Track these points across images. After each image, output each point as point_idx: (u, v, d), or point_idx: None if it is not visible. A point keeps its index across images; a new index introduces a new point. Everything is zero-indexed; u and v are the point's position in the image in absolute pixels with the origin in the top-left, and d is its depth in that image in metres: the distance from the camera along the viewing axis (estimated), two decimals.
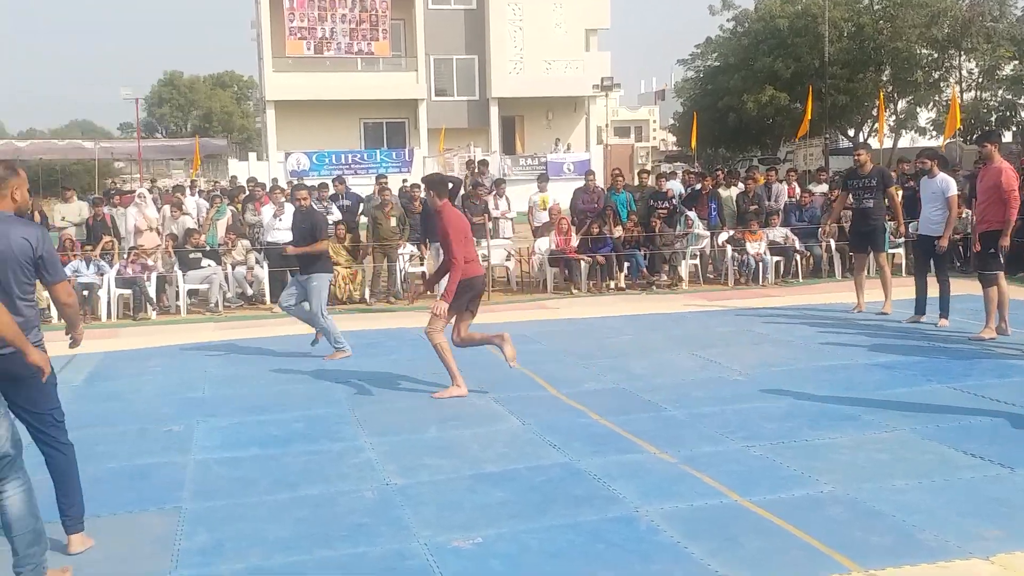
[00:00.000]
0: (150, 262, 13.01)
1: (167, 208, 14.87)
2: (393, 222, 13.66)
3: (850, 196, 11.12)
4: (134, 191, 17.22)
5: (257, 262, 13.57)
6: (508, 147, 35.70)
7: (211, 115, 70.32)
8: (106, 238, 13.90)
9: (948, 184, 10.01)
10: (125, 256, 13.17)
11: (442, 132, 27.10)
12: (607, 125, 49.60)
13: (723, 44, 37.56)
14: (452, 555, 4.32)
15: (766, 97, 32.29)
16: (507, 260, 15.12)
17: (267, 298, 13.36)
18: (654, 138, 67.89)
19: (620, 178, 16.16)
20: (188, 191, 17.96)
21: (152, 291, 12.67)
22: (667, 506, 4.85)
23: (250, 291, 13.63)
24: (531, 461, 5.72)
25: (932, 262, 10.18)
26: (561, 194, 16.80)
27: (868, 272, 12.13)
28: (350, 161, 31.39)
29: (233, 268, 13.53)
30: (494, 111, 34.83)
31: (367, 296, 13.54)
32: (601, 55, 36.75)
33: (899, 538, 4.36)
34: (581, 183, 16.21)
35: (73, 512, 4.52)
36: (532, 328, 10.69)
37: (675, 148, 51.88)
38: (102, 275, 12.55)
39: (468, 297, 7.46)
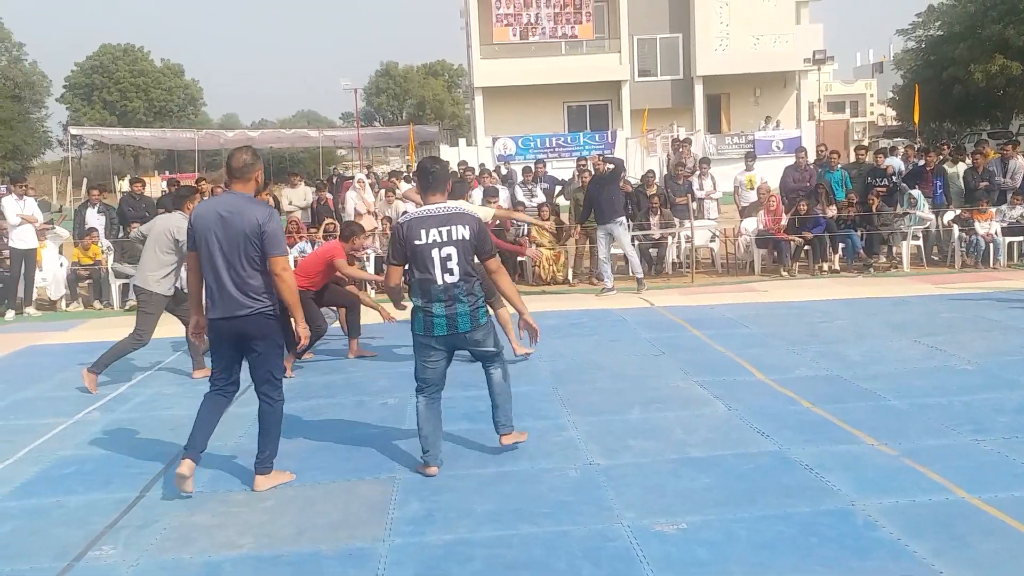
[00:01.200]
0: (368, 243, 13.63)
1: (383, 192, 15.52)
2: None
3: None
4: (353, 177, 18.10)
5: None
6: (713, 126, 34.84)
7: (424, 103, 72.80)
8: (328, 220, 14.68)
9: None
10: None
11: (645, 113, 26.74)
12: (819, 100, 47.44)
13: (947, 12, 35.08)
14: (656, 539, 4.26)
15: (996, 67, 29.92)
16: (711, 241, 14.77)
17: None
18: (871, 113, 64.42)
19: (835, 154, 15.43)
20: (404, 177, 18.69)
21: (371, 269, 13.28)
22: (886, 501, 4.58)
23: None
24: (738, 448, 5.56)
25: None
26: (769, 173, 16.24)
27: None
28: (554, 144, 31.66)
29: None
30: (699, 90, 34.06)
31: (570, 277, 13.62)
32: (813, 27, 35.10)
33: None
34: (791, 161, 15.61)
35: (264, 456, 5.22)
36: (739, 311, 10.40)
37: (895, 123, 48.95)
38: None
39: None
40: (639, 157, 25.73)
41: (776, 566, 3.93)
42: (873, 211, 13.75)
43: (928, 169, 14.80)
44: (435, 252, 5.14)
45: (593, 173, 12.36)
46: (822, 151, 15.89)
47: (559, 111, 34.78)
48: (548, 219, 13.77)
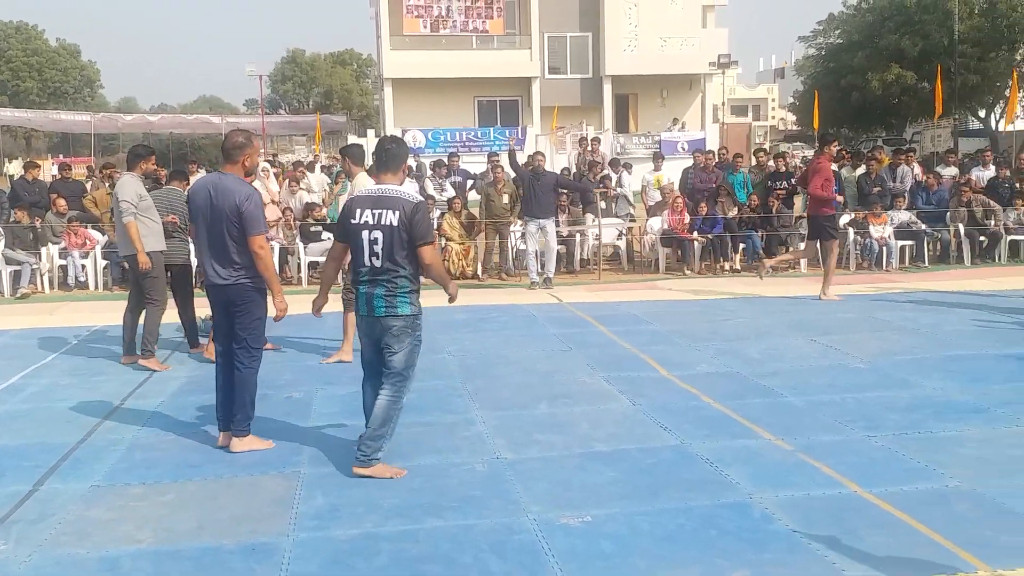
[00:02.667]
0: (271, 234, 13.40)
1: (287, 182, 15.26)
2: (505, 199, 13.69)
3: None
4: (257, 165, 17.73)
5: None
6: (621, 125, 35.33)
7: (332, 92, 71.81)
8: None
9: None
10: None
11: (555, 110, 26.96)
12: (723, 104, 48.56)
13: (846, 21, 36.26)
14: (561, 532, 4.32)
15: (892, 76, 31.05)
16: (619, 239, 14.99)
17: None
18: (773, 117, 66.23)
19: (739, 157, 15.87)
20: (310, 166, 18.41)
21: (276, 262, 13.05)
22: (782, 494, 4.74)
23: None
24: (642, 442, 5.67)
25: None
26: (676, 173, 16.58)
27: None
28: (464, 139, 31.64)
29: None
30: (607, 89, 34.49)
31: (479, 271, 13.64)
32: (718, 32, 35.92)
33: None
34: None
35: (236, 420, 5.55)
36: (644, 308, 10.58)
37: (795, 127, 50.47)
38: None
39: None
40: (549, 154, 25.89)
41: (677, 558, 4.02)
42: (774, 213, 14.16)
43: None
44: (364, 233, 5.03)
45: (535, 167, 12.51)
46: (724, 154, 16.30)
47: (469, 105, 34.76)
48: (460, 213, 13.77)
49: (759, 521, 4.43)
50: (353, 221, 5.09)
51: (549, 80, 34.50)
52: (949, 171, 16.13)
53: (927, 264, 14.04)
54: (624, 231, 15.01)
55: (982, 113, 33.85)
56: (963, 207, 14.37)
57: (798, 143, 43.16)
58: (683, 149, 30.10)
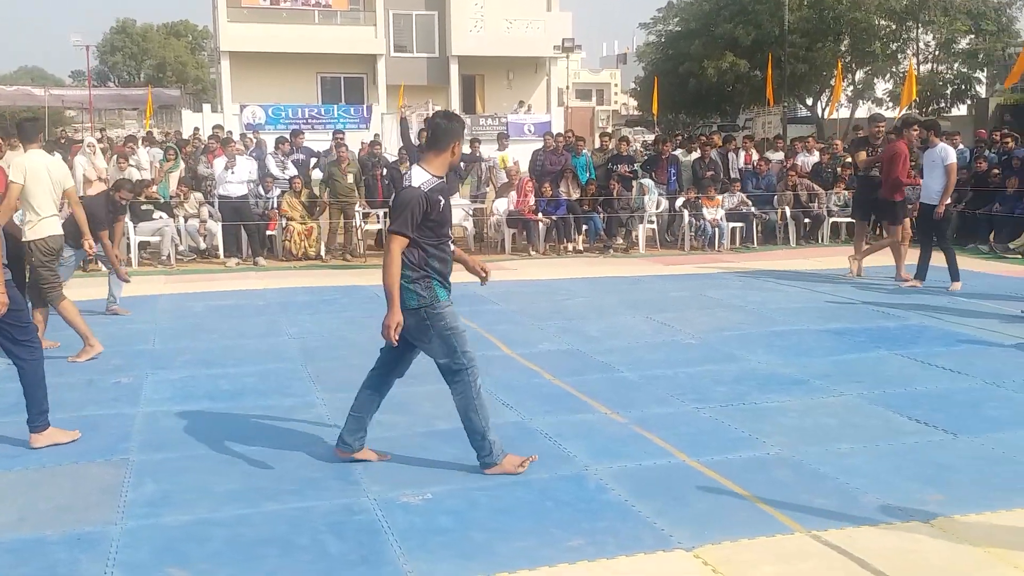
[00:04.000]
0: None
1: (115, 158, 14.54)
2: (350, 179, 13.49)
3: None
4: (83, 140, 16.81)
5: (210, 215, 13.38)
6: (468, 106, 35.37)
7: (165, 65, 68.73)
8: None
9: (947, 152, 10.27)
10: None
11: (401, 89, 26.71)
12: (568, 87, 49.38)
13: (684, 9, 37.38)
14: (401, 510, 4.32)
15: (726, 64, 32.26)
16: (465, 220, 15.04)
17: (220, 252, 13.18)
18: (616, 102, 67.82)
19: (581, 140, 16.18)
20: (140, 142, 17.58)
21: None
22: (616, 465, 4.90)
23: (203, 245, 13.44)
24: None
25: (933, 230, 10.55)
26: (521, 155, 16.75)
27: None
28: (307, 116, 30.90)
29: (186, 221, 13.34)
30: (454, 69, 34.44)
31: (322, 252, 13.41)
32: (562, 16, 36.42)
33: (843, 500, 4.44)
34: (540, 144, 16.21)
35: (32, 415, 5.23)
36: (489, 289, 10.57)
37: (636, 112, 51.83)
38: None
39: None
40: (395, 133, 25.68)
41: (514, 530, 4.10)
42: (614, 196, 14.54)
43: (663, 157, 15.83)
44: None
45: (418, 144, 12.30)
46: (569, 137, 16.58)
47: (312, 82, 33.96)
48: (300, 192, 13.48)
49: (594, 492, 4.56)
50: None
51: (395, 58, 34.13)
52: (777, 156, 16.96)
53: (756, 245, 14.75)
54: (470, 212, 15.08)
55: (809, 101, 35.70)
56: (789, 191, 15.16)
57: (639, 128, 44.38)
58: (530, 131, 30.42)
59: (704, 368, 6.98)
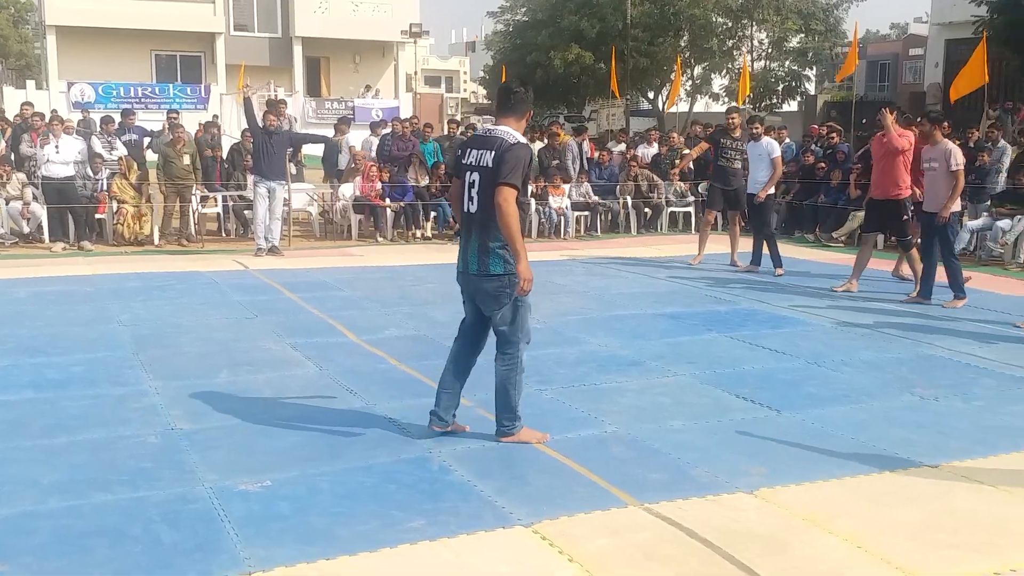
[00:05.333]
0: None
1: None
2: (186, 160, 12.96)
3: (720, 155, 11.44)
4: None
5: (34, 198, 12.61)
6: (313, 89, 34.67)
7: None
8: None
9: (773, 146, 10.89)
10: None
11: (241, 69, 25.87)
12: (416, 73, 49.11)
13: None
14: (239, 498, 4.23)
15: (572, 55, 32.83)
16: (309, 205, 14.77)
17: (45, 236, 12.46)
18: (465, 89, 67.93)
19: (429, 127, 16.16)
20: None
21: None
22: (460, 447, 4.94)
23: (26, 228, 12.67)
24: (327, 406, 5.67)
25: (759, 218, 11.08)
26: (361, 140, 16.58)
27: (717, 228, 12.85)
28: (140, 95, 29.56)
29: (7, 203, 12.54)
30: (298, 50, 33.65)
31: (156, 237, 12.87)
32: (410, 1, 36.19)
33: (674, 474, 4.63)
34: (388, 129, 16.08)
35: None
36: (334, 275, 10.54)
37: (486, 100, 52.10)
38: None
39: None
40: (234, 114, 24.89)
41: (356, 514, 4.08)
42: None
43: None
44: (466, 175, 4.69)
45: (263, 127, 11.85)
46: (416, 122, 16.53)
47: (146, 59, 32.47)
48: (130, 173, 12.89)
49: (437, 473, 4.59)
50: (462, 161, 4.77)
51: (235, 37, 33.03)
52: (619, 147, 17.44)
53: (599, 233, 15.13)
54: (315, 196, 14.82)
55: (651, 94, 36.81)
56: (631, 181, 15.62)
57: (488, 116, 44.63)
58: (377, 116, 30.11)
59: (547, 351, 7.11)
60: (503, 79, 27.47)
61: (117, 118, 14.53)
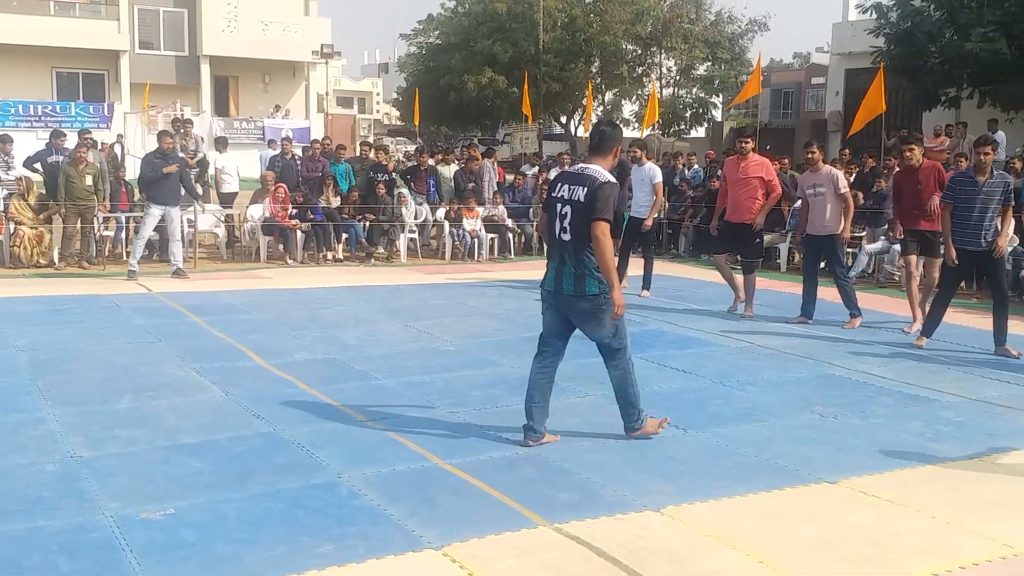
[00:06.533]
0: None
1: None
2: (88, 180, 12.57)
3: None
4: None
5: None
6: (221, 108, 34.07)
7: None
8: None
9: (655, 172, 10.94)
10: None
11: (146, 88, 25.30)
12: (328, 94, 48.75)
13: (444, 22, 38.01)
14: (141, 527, 4.12)
15: (485, 79, 33.10)
16: (217, 227, 14.51)
17: None
18: (377, 111, 67.69)
19: (342, 149, 16.08)
20: None
21: None
22: (370, 471, 4.90)
23: None
24: (232, 431, 5.57)
25: (640, 241, 11.17)
26: (246, 160, 16.45)
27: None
28: (40, 113, 28.56)
29: None
30: (205, 69, 33.02)
31: (56, 259, 12.45)
32: (321, 21, 35.90)
33: (584, 494, 4.68)
34: (298, 151, 15.97)
35: None
36: (242, 298, 10.36)
37: (399, 122, 52.00)
38: None
39: None
40: (139, 133, 24.35)
41: (262, 540, 4.01)
42: (376, 205, 14.52)
43: (423, 168, 16.02)
44: (558, 207, 5.23)
45: (157, 150, 11.62)
46: (328, 144, 16.43)
47: (47, 77, 31.46)
48: (29, 194, 12.47)
49: (346, 498, 4.55)
50: (552, 194, 5.36)
51: (140, 55, 32.27)
52: (533, 171, 17.61)
53: (513, 255, 15.22)
54: (222, 218, 14.56)
55: (564, 119, 37.31)
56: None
57: (401, 137, 44.57)
58: (289, 136, 29.75)
59: (460, 374, 7.13)
60: (416, 100, 27.59)
61: (17, 137, 14.02)
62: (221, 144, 15.94)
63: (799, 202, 10.79)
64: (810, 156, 9.51)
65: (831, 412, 6.28)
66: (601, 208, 5.08)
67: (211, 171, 15.42)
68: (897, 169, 10.31)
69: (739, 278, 9.95)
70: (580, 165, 5.52)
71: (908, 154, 8.91)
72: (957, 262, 8.11)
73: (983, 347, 8.26)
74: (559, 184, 5.37)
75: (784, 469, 5.12)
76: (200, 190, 13.91)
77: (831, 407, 6.39)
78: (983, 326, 8.66)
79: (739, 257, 10.37)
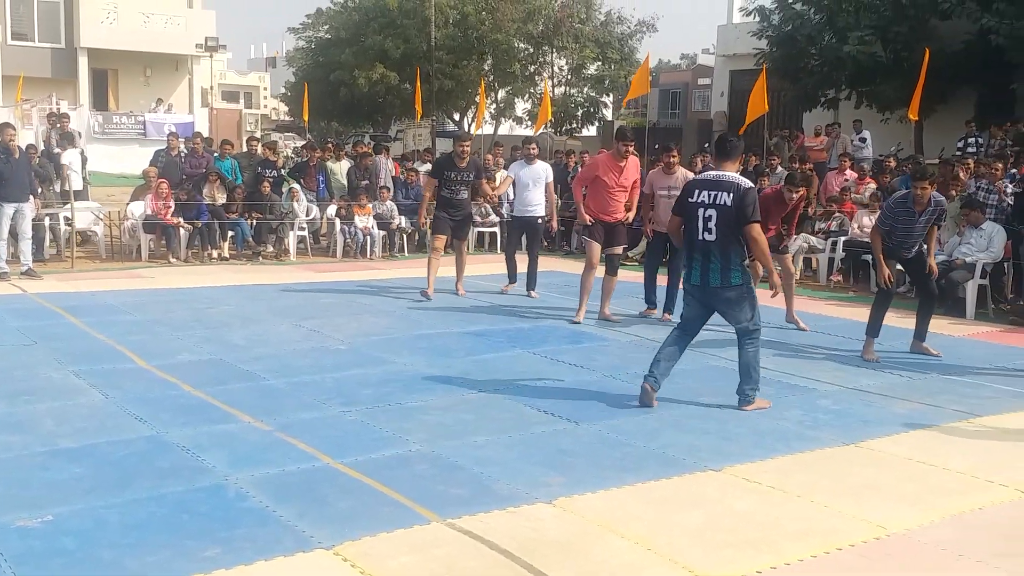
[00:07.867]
0: None
1: None
2: None
3: (444, 187, 10.75)
4: None
5: None
6: (100, 102, 32.81)
7: None
8: None
9: (548, 171, 10.97)
10: None
11: (20, 80, 24.17)
12: (212, 88, 47.51)
13: (334, 16, 37.42)
14: (17, 535, 3.95)
15: (377, 75, 32.74)
16: (95, 224, 13.98)
17: None
18: (265, 106, 66.25)
19: (228, 144, 15.69)
20: None
21: None
22: (258, 473, 4.81)
23: None
24: (113, 435, 5.38)
25: (526, 240, 11.15)
26: (132, 157, 15.91)
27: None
28: None
29: None
30: (83, 62, 31.75)
31: None
32: (205, 14, 34.93)
33: (476, 489, 4.70)
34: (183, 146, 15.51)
35: None
36: (122, 298, 10.03)
37: (287, 118, 51.02)
38: None
39: None
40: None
41: (146, 545, 3.90)
42: (264, 201, 14.23)
43: (312, 164, 15.78)
44: (700, 211, 5.93)
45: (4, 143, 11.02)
46: (199, 140, 16.00)
47: None
48: None
49: (233, 500, 4.46)
50: (691, 200, 6.02)
51: (13, 47, 30.79)
52: (425, 167, 17.53)
53: (406, 253, 15.14)
54: (101, 215, 14.04)
55: (457, 116, 37.23)
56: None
57: (290, 133, 43.74)
58: (171, 131, 28.87)
59: (351, 372, 7.06)
60: (306, 95, 27.13)
61: None
62: (68, 140, 15.27)
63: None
64: (671, 159, 9.60)
65: (715, 402, 6.45)
66: (752, 212, 5.88)
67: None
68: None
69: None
70: (712, 173, 6.15)
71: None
72: (890, 285, 8.05)
73: (860, 337, 8.53)
74: (696, 191, 6.02)
75: (672, 459, 5.25)
76: (80, 185, 13.37)
77: (715, 397, 6.58)
78: (859, 318, 9.02)
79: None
